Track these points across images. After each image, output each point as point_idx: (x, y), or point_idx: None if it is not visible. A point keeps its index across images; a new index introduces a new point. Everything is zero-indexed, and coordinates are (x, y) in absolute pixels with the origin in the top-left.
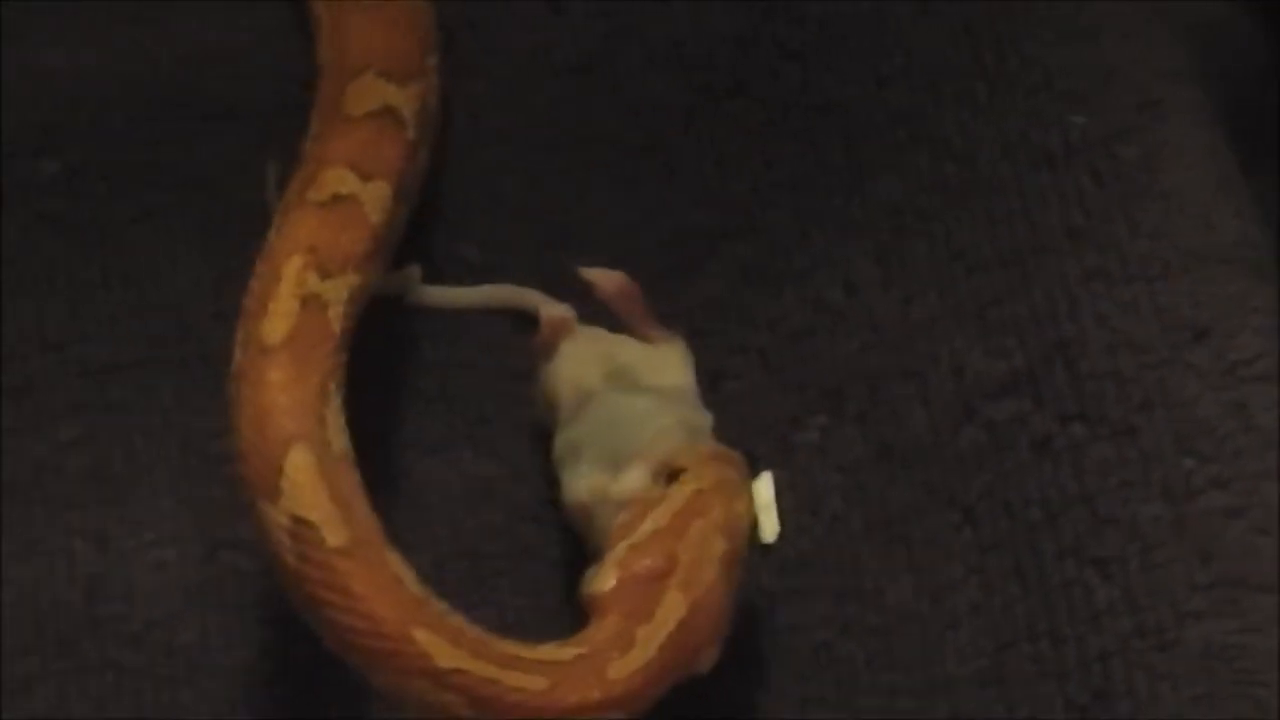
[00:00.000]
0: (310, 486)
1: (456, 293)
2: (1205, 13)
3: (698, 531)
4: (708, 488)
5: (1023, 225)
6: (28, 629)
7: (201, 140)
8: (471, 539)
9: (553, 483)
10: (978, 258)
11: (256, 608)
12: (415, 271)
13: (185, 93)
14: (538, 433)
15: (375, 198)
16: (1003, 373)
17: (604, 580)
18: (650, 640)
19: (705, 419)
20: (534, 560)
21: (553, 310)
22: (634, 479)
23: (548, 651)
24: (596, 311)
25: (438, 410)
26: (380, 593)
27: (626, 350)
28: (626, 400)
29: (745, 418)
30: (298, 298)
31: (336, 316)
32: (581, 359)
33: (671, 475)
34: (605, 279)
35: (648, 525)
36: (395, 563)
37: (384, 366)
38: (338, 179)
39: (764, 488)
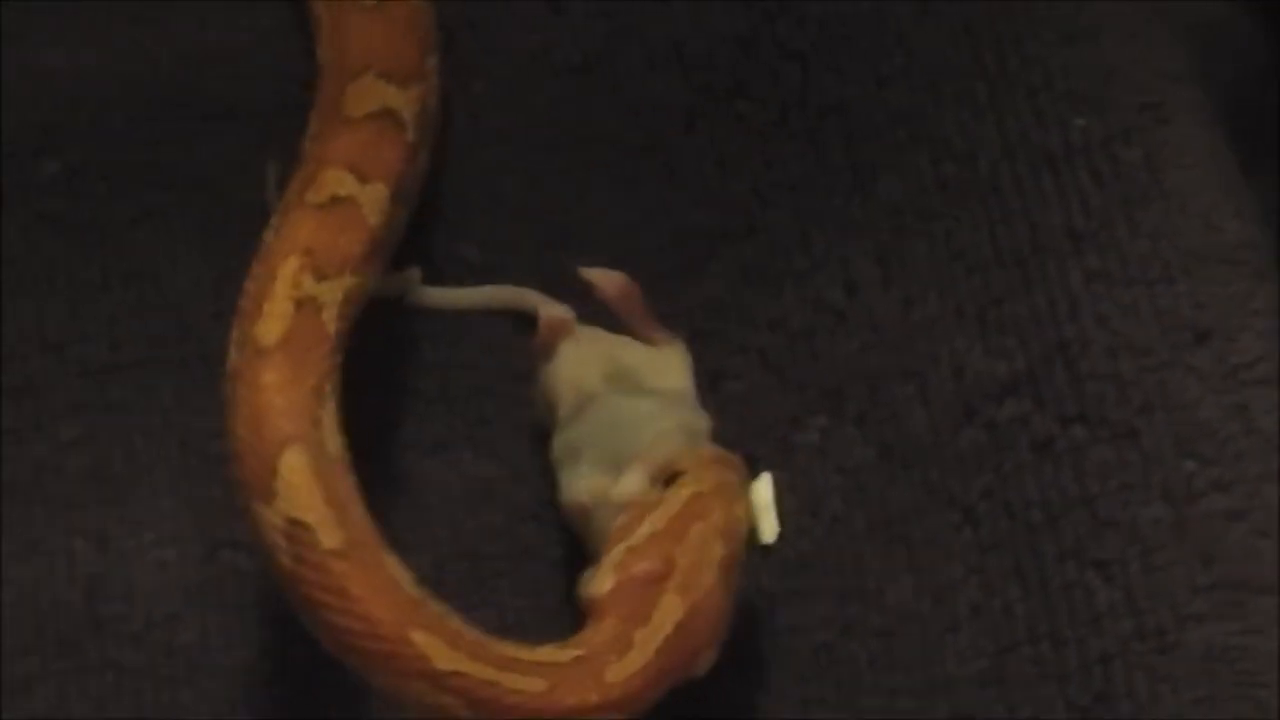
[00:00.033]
0: (305, 488)
1: (456, 294)
2: (1205, 13)
3: (696, 535)
4: (707, 491)
5: (1023, 226)
6: (28, 629)
7: (201, 140)
8: (471, 540)
9: (552, 483)
10: (978, 258)
11: (257, 608)
12: (415, 273)
13: (185, 93)
14: (538, 434)
15: (373, 200)
16: (1003, 374)
17: (602, 583)
18: (648, 643)
19: (704, 421)
20: (534, 561)
21: (552, 311)
22: (633, 482)
23: (546, 653)
24: (597, 312)
25: (438, 411)
26: (377, 594)
27: (627, 352)
28: (627, 402)
29: (745, 418)
30: (293, 300)
31: (332, 318)
32: (581, 360)
33: (670, 478)
34: (605, 280)
35: (646, 528)
36: (392, 564)
37: (384, 367)
38: (336, 181)
39: (764, 489)
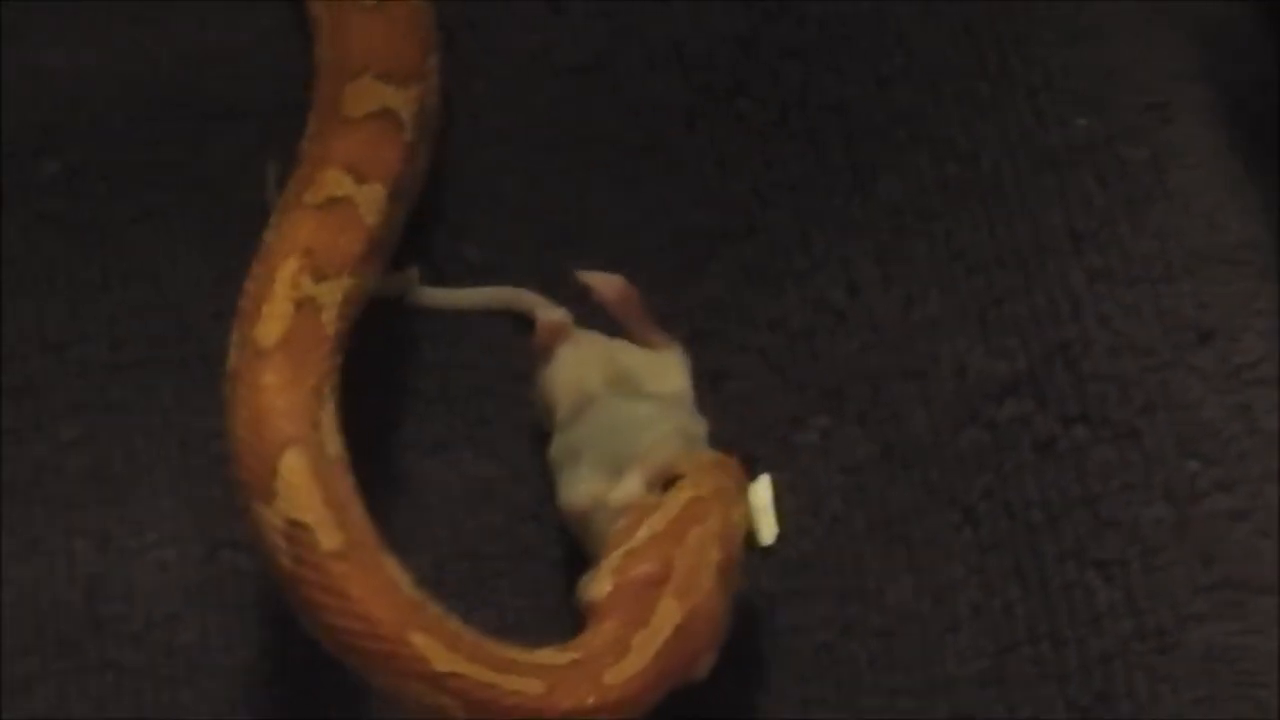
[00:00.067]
0: (305, 489)
1: (456, 294)
2: (1208, 12)
3: (695, 538)
4: (705, 495)
5: (1025, 226)
6: (28, 629)
7: (201, 140)
8: (471, 540)
9: (552, 485)
10: (979, 258)
11: (257, 608)
12: (415, 273)
13: (185, 93)
14: (538, 434)
15: (371, 200)
16: (1005, 374)
17: (600, 586)
18: (646, 646)
19: (702, 425)
20: (534, 561)
21: (550, 315)
22: (631, 487)
23: (544, 656)
24: (595, 315)
25: (438, 411)
26: (376, 595)
27: (625, 355)
28: (626, 406)
29: (746, 418)
30: (292, 300)
31: (331, 319)
32: (580, 363)
33: (669, 481)
34: (604, 283)
35: (644, 531)
36: (391, 566)
37: (384, 367)
38: (334, 181)
39: (763, 490)
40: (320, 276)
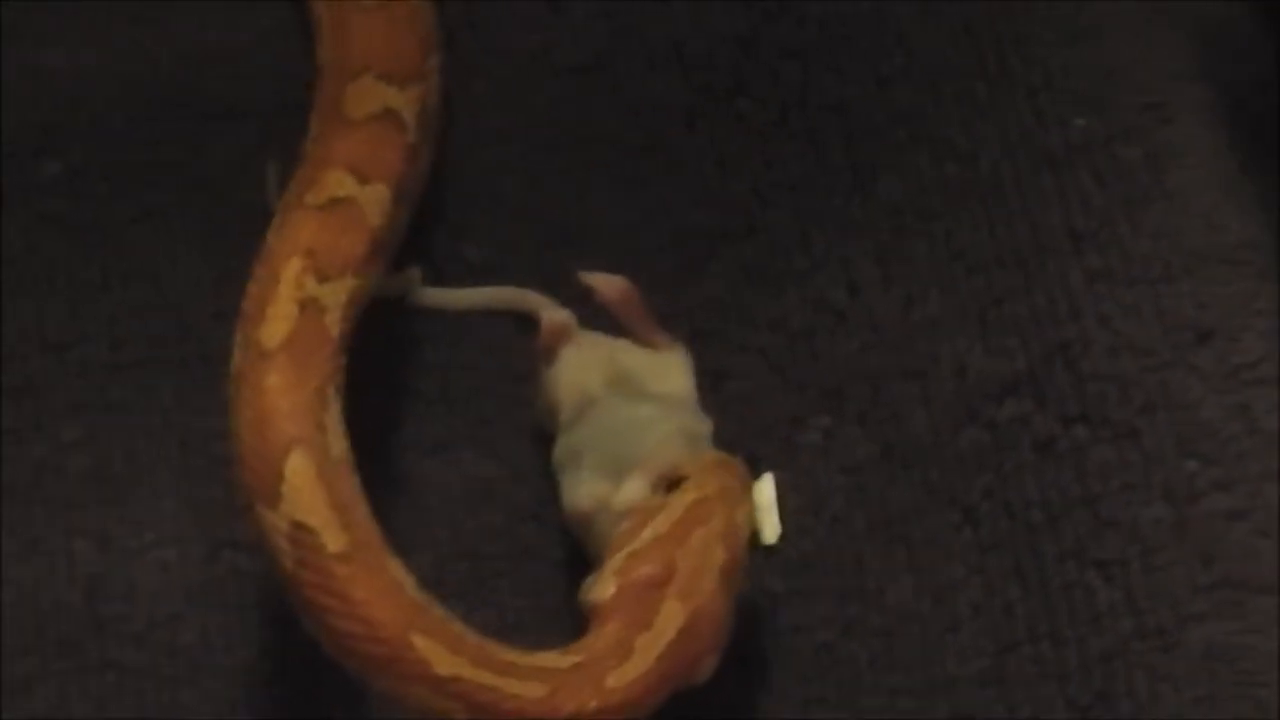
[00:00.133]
0: (310, 491)
1: (457, 294)
2: (1207, 12)
3: (698, 540)
4: (709, 496)
5: (1024, 226)
6: (28, 629)
7: (201, 140)
8: (472, 540)
9: (555, 487)
10: (979, 258)
11: (258, 608)
12: (416, 273)
13: (185, 93)
14: (538, 434)
15: (374, 201)
16: (1004, 374)
17: (603, 588)
18: (649, 649)
19: (705, 425)
20: (534, 561)
21: (554, 315)
22: (634, 490)
23: (546, 659)
24: (597, 315)
25: (438, 411)
26: (379, 598)
27: (628, 356)
28: (628, 407)
29: (747, 418)
30: (296, 301)
31: (335, 320)
32: (583, 364)
33: (674, 482)
34: (606, 284)
35: (648, 533)
36: (395, 568)
37: (384, 368)
38: (337, 182)
39: (766, 489)
40: (324, 277)
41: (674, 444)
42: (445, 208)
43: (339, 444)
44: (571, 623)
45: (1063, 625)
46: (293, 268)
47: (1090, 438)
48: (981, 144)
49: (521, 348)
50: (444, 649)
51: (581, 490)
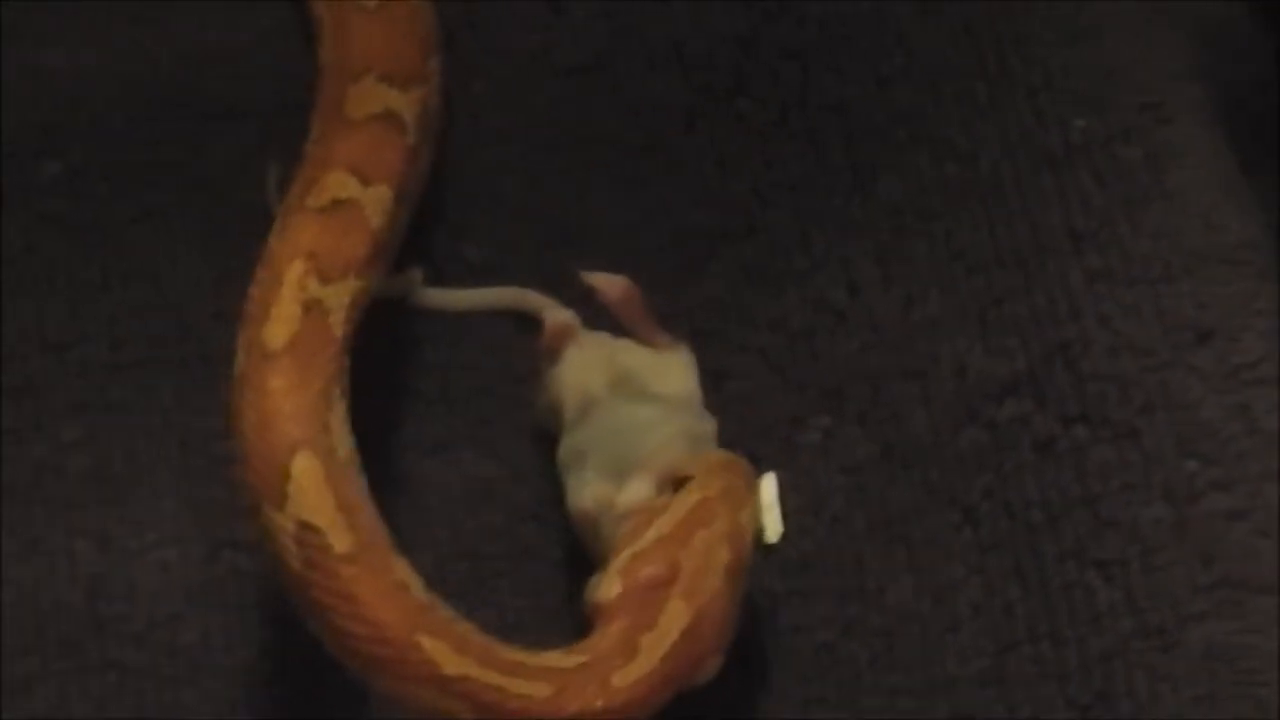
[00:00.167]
0: (316, 492)
1: (458, 295)
2: (1206, 12)
3: (702, 540)
4: (713, 496)
5: (1024, 226)
6: (29, 629)
7: (201, 140)
8: (472, 540)
9: (556, 485)
10: (979, 258)
11: (258, 608)
12: (417, 274)
13: (185, 93)
14: (538, 434)
15: (376, 202)
16: (1004, 374)
17: (608, 588)
18: (654, 648)
19: (709, 426)
20: (534, 561)
21: (557, 316)
22: (638, 491)
23: (552, 659)
24: (599, 316)
25: (438, 411)
26: (385, 599)
27: (630, 356)
28: (630, 408)
29: (747, 418)
30: (299, 303)
31: (338, 321)
32: (586, 365)
33: (678, 482)
34: (608, 284)
35: (652, 533)
36: (401, 568)
37: (385, 368)
38: (338, 183)
39: (767, 489)
40: (326, 279)
41: (677, 445)
42: (445, 208)
43: (345, 445)
44: (572, 623)
45: (1063, 625)
46: (295, 270)
47: (1090, 438)
48: (981, 144)
49: (522, 348)
50: (450, 649)
51: (585, 491)
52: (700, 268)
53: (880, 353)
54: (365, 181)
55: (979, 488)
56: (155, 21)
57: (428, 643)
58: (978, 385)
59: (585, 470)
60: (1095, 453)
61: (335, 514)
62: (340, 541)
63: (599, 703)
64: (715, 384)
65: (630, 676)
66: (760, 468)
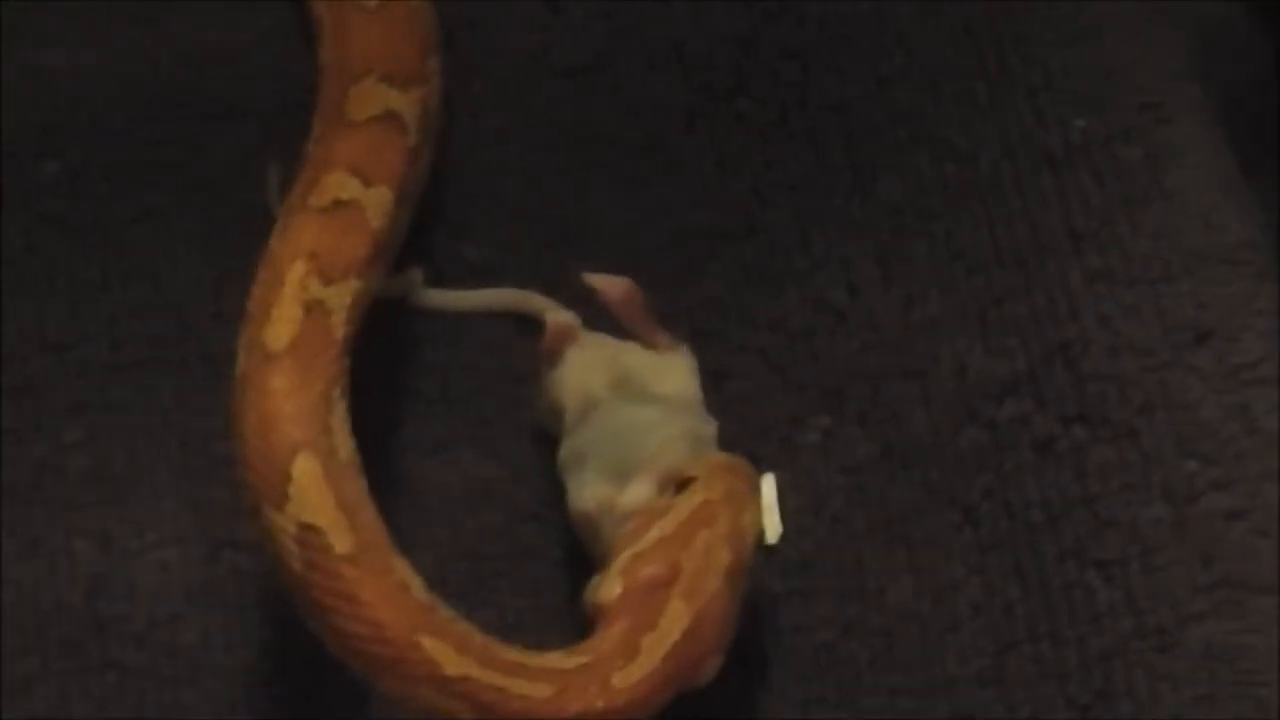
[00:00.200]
0: (317, 493)
1: (459, 296)
2: (1206, 12)
3: (703, 542)
4: (715, 498)
5: (1024, 226)
6: (29, 629)
7: (201, 140)
8: (472, 540)
9: (556, 485)
10: (979, 258)
11: (258, 608)
12: (417, 274)
13: (185, 93)
14: (538, 434)
15: (377, 203)
16: (1004, 374)
17: (609, 589)
18: (655, 649)
19: (710, 427)
20: (534, 561)
21: (558, 317)
22: (639, 493)
23: (553, 659)
24: (600, 316)
25: (438, 412)
26: (386, 599)
27: (632, 357)
28: (631, 410)
29: (747, 418)
30: (301, 304)
31: (339, 322)
32: (587, 366)
33: (681, 484)
34: (610, 285)
35: (653, 534)
36: (402, 569)
37: (385, 368)
38: (339, 184)
39: (767, 489)
40: (327, 280)
41: (678, 446)
42: (445, 208)
43: (345, 446)
44: (572, 623)
45: (1063, 625)
46: (297, 270)
47: (1090, 438)
48: (981, 144)
49: (522, 348)
50: (451, 649)
51: (586, 492)
52: (700, 268)
53: (880, 353)
54: (366, 182)
55: (979, 488)
56: (155, 21)
57: (428, 643)
58: (978, 385)
59: (586, 471)
60: (1095, 453)
61: (336, 515)
62: (341, 542)
63: (600, 703)
64: (715, 384)
65: (631, 677)
66: (760, 468)
